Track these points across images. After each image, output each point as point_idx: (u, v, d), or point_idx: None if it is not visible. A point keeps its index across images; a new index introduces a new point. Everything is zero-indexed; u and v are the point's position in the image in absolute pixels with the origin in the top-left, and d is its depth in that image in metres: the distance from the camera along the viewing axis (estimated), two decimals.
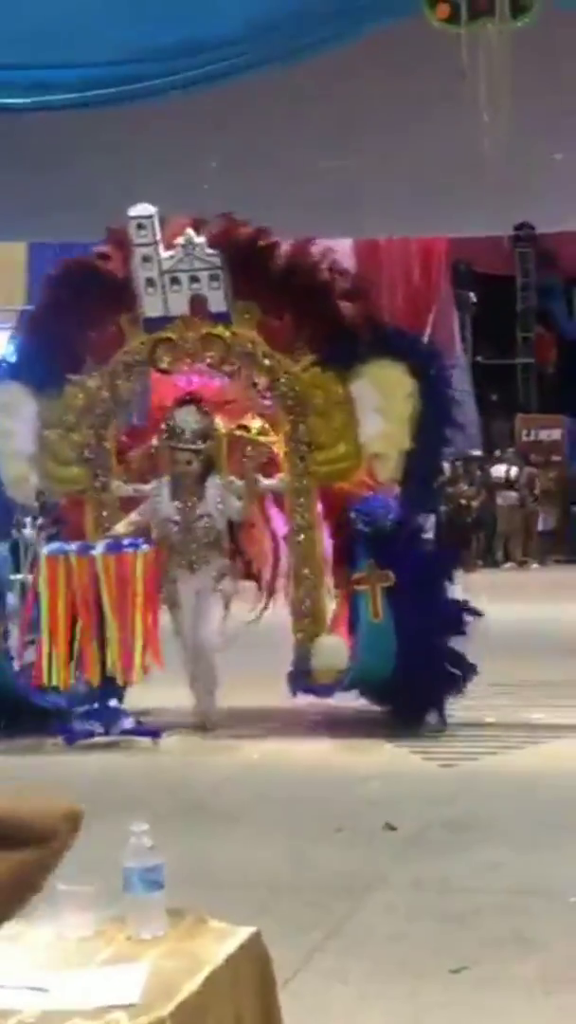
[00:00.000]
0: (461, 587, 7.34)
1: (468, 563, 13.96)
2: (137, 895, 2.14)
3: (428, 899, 4.58)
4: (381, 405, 7.06)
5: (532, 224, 14.53)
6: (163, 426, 7.45)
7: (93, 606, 6.92)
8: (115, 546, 7.01)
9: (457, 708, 7.29)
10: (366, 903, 4.53)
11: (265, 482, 7.46)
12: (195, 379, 7.81)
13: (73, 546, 7.14)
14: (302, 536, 7.34)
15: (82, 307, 7.39)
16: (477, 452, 16.80)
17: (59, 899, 2.15)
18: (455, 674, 6.97)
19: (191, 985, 1.97)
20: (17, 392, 7.48)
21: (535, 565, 16.18)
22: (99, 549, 7.00)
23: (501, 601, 10.43)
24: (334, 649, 7.15)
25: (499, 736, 7.13)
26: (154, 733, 7.01)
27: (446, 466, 14.00)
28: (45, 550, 7.30)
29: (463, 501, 16.01)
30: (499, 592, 12.06)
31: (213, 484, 7.18)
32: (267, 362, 7.29)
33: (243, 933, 2.19)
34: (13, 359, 7.95)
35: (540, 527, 16.27)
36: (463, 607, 7.06)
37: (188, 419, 7.21)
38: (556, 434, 16.99)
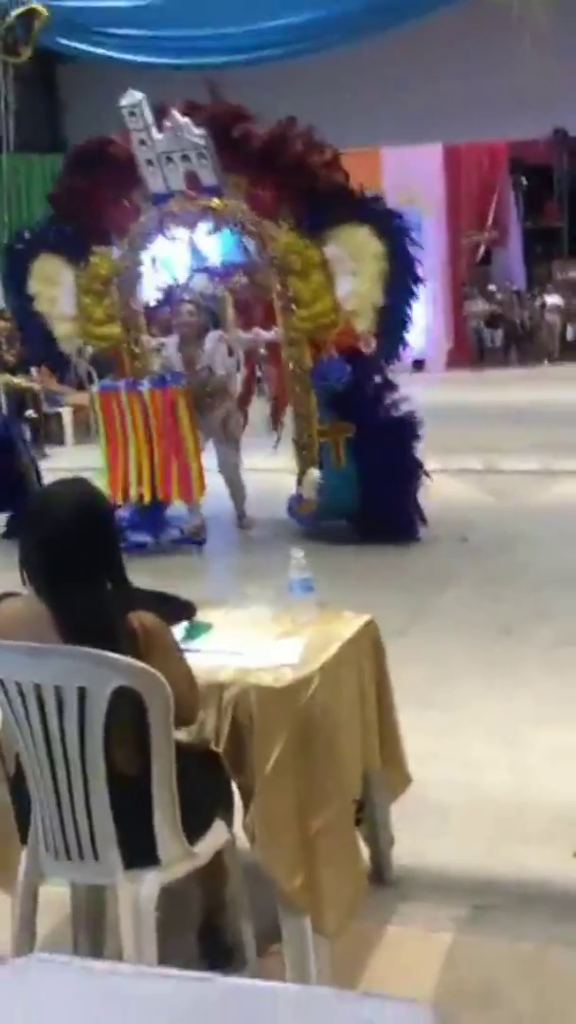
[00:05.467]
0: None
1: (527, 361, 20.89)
2: (297, 595, 3.25)
3: (486, 587, 6.65)
4: (352, 266, 7.47)
5: (565, 128, 21.37)
6: (177, 286, 8.29)
7: (143, 433, 7.67)
8: (160, 381, 7.75)
9: (513, 460, 10.31)
10: (448, 587, 6.65)
11: (264, 334, 8.34)
12: None
13: (121, 382, 7.93)
14: (297, 381, 7.86)
15: (99, 186, 8.00)
16: (523, 288, 23.09)
17: (249, 598, 3.35)
18: (414, 514, 7.76)
19: (331, 651, 3.01)
20: (54, 263, 8.23)
21: (566, 363, 21.28)
22: (146, 384, 7.74)
23: (541, 388, 16.62)
24: (314, 483, 7.87)
25: (537, 479, 9.78)
26: (199, 542, 7.91)
27: (503, 296, 21.40)
28: (96, 386, 8.12)
29: (517, 320, 22.11)
30: (540, 381, 18.15)
31: (211, 338, 7.93)
32: (254, 229, 7.79)
33: (364, 619, 3.27)
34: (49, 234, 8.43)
35: (570, 337, 22.15)
36: (419, 463, 7.71)
37: (199, 282, 8.34)
38: None
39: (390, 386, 7.76)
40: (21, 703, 2.52)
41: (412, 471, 7.71)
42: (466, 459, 10.25)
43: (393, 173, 18.71)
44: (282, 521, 8.12)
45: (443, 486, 8.65)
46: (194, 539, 7.93)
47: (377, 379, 7.72)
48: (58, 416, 13.77)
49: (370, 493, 7.60)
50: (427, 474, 7.76)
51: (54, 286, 8.25)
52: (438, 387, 16.78)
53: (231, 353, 8.26)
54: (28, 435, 9.03)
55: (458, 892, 3.40)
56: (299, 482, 7.98)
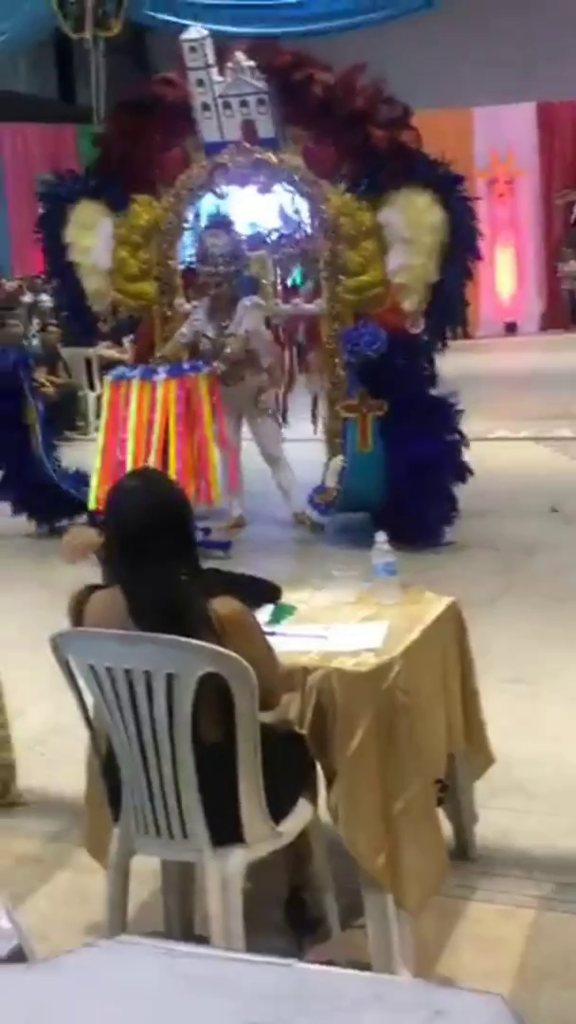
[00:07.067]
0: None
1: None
2: (381, 578, 3.29)
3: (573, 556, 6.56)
4: (408, 235, 6.81)
5: None
6: (195, 250, 7.49)
7: (152, 428, 6.82)
8: (177, 370, 6.98)
9: None
10: (536, 558, 6.60)
11: (304, 306, 7.66)
12: None
13: (136, 371, 7.19)
14: (336, 359, 7.17)
15: (149, 131, 7.45)
16: None
17: (333, 580, 3.44)
18: (447, 508, 6.85)
19: (413, 635, 3.04)
20: (94, 210, 7.59)
21: None
22: (161, 374, 6.95)
23: None
24: (337, 471, 7.08)
25: None
26: (224, 545, 6.89)
27: (565, 250, 19.69)
28: (109, 375, 7.40)
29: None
30: None
31: (243, 305, 7.08)
32: (308, 189, 7.18)
33: (446, 600, 3.31)
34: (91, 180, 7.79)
35: None
36: (460, 450, 6.84)
37: (216, 242, 7.12)
38: None
39: (432, 372, 7.01)
40: (112, 687, 2.63)
41: (448, 466, 6.81)
42: (558, 426, 10.13)
43: (486, 133, 18.48)
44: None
45: (534, 454, 8.57)
46: (218, 543, 6.81)
47: (420, 362, 6.94)
48: (78, 397, 12.33)
49: (397, 484, 6.61)
50: (469, 471, 6.87)
51: (90, 235, 7.56)
52: (530, 350, 16.59)
53: (268, 324, 7.42)
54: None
55: (542, 869, 3.43)
56: (324, 470, 7.26)
